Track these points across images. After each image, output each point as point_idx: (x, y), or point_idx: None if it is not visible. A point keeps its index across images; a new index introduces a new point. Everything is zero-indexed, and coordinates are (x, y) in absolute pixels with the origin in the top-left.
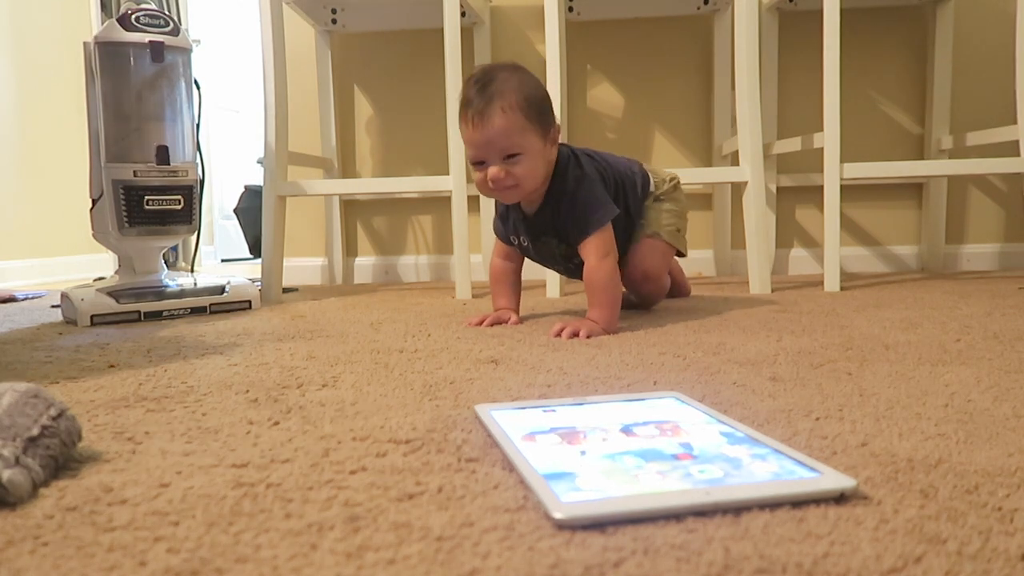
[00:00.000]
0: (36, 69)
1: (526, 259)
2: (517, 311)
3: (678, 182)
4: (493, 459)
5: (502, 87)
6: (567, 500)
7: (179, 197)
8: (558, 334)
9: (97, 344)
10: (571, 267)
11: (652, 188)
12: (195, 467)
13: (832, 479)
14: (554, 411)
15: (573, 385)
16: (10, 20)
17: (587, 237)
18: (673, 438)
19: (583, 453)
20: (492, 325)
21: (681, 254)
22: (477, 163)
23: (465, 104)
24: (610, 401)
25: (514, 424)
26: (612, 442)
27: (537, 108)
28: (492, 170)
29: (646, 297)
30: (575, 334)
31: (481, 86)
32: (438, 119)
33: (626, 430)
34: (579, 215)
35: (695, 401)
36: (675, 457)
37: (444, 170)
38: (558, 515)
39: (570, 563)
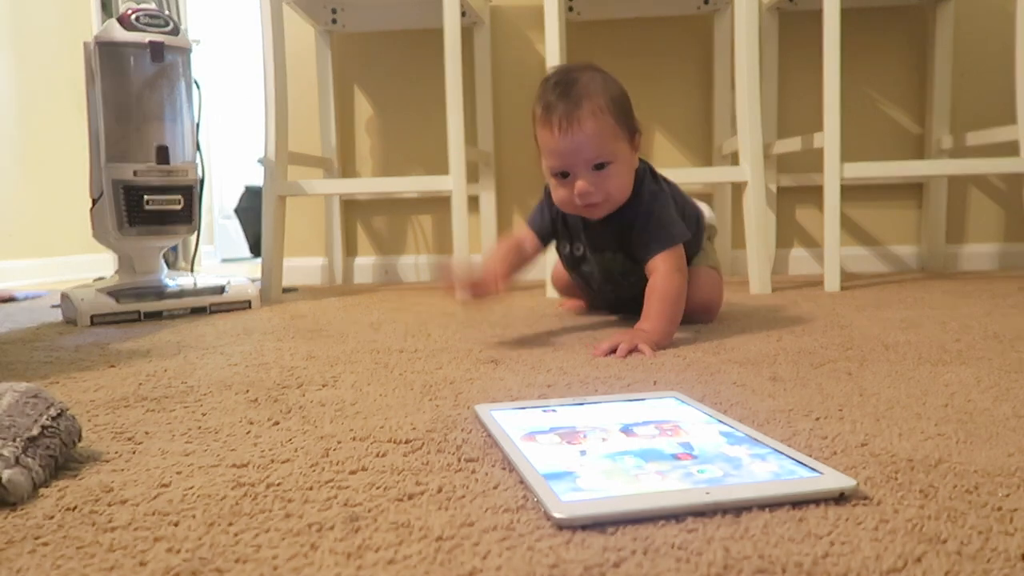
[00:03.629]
0: (36, 69)
1: (527, 268)
2: (505, 278)
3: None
4: (493, 459)
5: (588, 88)
6: (567, 500)
7: (179, 197)
8: (609, 353)
9: (97, 344)
10: (624, 285)
11: (708, 223)
12: (195, 467)
13: (832, 479)
14: (554, 411)
15: (573, 385)
16: (10, 20)
17: (661, 252)
18: (673, 438)
19: (583, 453)
20: (474, 294)
21: None
22: (560, 175)
23: (547, 108)
24: (610, 401)
25: (514, 424)
26: (612, 442)
27: (625, 111)
28: (580, 184)
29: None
30: (631, 351)
31: (564, 88)
32: (438, 119)
33: (626, 430)
34: (655, 228)
35: (695, 401)
36: (675, 457)
37: (444, 170)
38: (558, 515)
39: (570, 563)
